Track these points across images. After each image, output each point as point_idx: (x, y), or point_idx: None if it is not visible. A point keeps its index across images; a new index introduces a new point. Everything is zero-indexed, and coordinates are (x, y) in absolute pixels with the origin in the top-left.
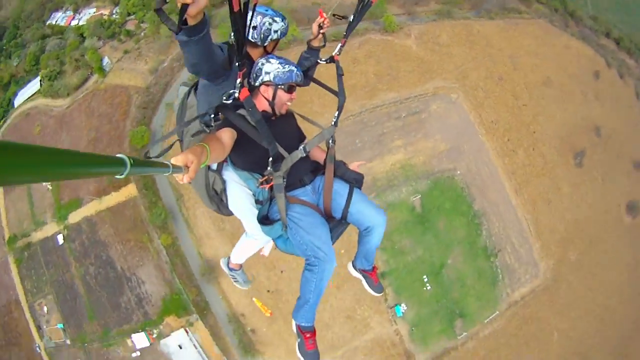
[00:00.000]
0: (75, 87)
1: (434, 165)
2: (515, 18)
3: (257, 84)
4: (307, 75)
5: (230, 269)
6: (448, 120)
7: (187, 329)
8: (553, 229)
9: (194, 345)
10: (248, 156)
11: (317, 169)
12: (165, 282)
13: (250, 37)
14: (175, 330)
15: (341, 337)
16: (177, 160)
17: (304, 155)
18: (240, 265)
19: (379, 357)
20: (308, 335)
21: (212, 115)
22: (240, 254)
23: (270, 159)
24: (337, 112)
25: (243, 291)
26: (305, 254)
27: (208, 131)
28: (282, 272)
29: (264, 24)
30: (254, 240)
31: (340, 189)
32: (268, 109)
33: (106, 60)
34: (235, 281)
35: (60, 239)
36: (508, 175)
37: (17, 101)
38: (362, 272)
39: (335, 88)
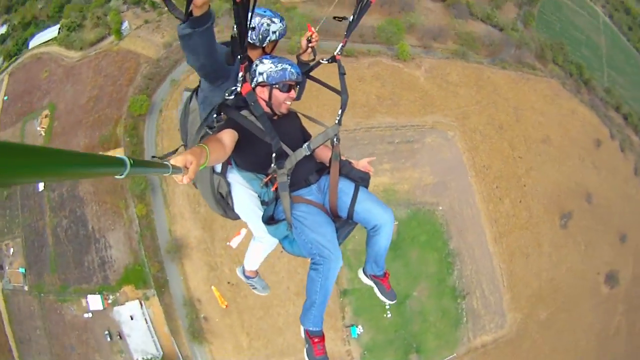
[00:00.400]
0: (90, 43)
1: (417, 195)
2: (528, 73)
3: (253, 85)
4: (309, 76)
5: (247, 277)
6: (440, 155)
7: (142, 301)
8: (527, 283)
9: (145, 319)
10: (251, 156)
11: (322, 169)
12: (131, 251)
13: (249, 39)
14: (131, 301)
15: (291, 346)
16: (176, 161)
17: (308, 153)
18: (256, 272)
19: None
20: (316, 340)
21: (215, 116)
22: (252, 259)
23: (274, 155)
24: (340, 110)
25: (203, 277)
26: (311, 253)
27: (211, 133)
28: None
29: (262, 24)
30: (262, 244)
31: (346, 187)
32: (267, 110)
33: (126, 24)
34: (253, 288)
35: (41, 185)
36: (490, 221)
37: (32, 43)
38: (374, 278)
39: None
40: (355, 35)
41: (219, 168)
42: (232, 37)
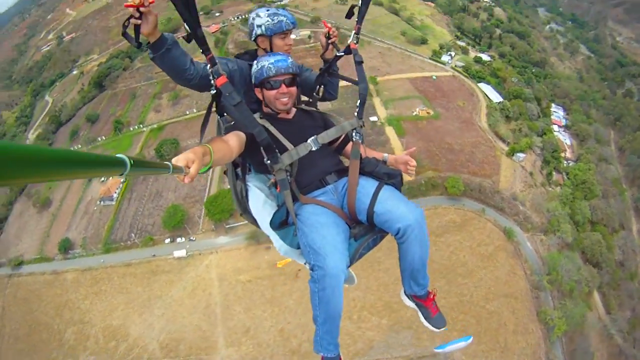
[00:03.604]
0: None
1: None
2: None
3: (252, 38)
4: (330, 72)
5: None
6: None
7: None
8: None
9: None
10: (260, 156)
11: (344, 169)
12: None
13: (249, 37)
14: None
15: None
16: (177, 160)
17: (314, 148)
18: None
19: None
20: None
21: (220, 117)
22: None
23: (261, 147)
24: (359, 102)
25: None
26: (307, 260)
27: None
28: None
29: (251, 19)
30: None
31: (368, 185)
32: (267, 110)
33: None
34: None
35: None
36: None
37: None
38: (415, 299)
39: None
40: None
41: (240, 173)
42: (187, 35)
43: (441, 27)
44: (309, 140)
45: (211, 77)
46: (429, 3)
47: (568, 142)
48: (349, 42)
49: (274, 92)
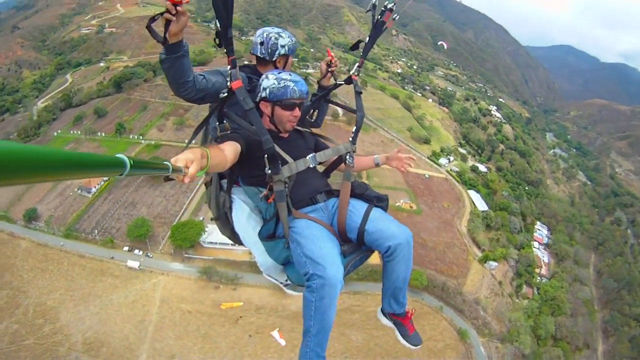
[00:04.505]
0: None
1: None
2: None
3: (257, 99)
4: (327, 99)
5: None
6: None
7: None
8: None
9: None
10: (253, 168)
11: (334, 192)
12: None
13: (258, 53)
14: None
15: None
16: (176, 160)
17: (312, 165)
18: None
19: None
20: None
21: (217, 124)
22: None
23: (266, 156)
24: (355, 128)
25: None
26: (304, 270)
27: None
28: None
29: (270, 38)
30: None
31: (358, 206)
32: (271, 126)
33: None
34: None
35: None
36: None
37: None
38: (393, 317)
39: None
40: None
41: (225, 185)
42: (216, 32)
43: (448, 132)
44: (308, 157)
45: (228, 79)
46: (444, 108)
47: (546, 259)
48: (350, 73)
49: (288, 112)
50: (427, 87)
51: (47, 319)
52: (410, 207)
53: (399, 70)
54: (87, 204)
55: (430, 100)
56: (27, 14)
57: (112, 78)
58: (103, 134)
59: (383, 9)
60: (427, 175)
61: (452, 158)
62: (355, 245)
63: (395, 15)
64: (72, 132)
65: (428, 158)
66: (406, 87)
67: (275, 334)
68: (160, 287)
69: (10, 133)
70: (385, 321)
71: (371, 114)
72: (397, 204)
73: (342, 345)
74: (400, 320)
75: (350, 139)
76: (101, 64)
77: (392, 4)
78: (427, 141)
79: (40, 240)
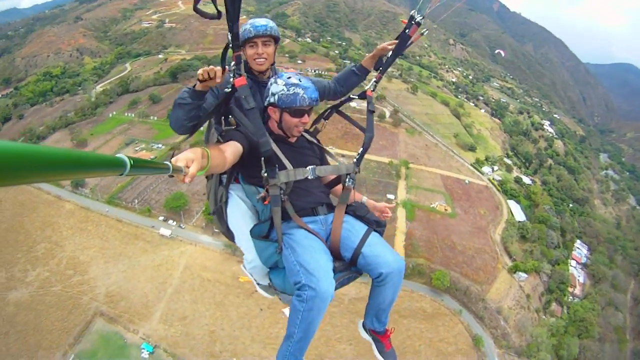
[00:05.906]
0: None
1: None
2: None
3: (265, 104)
4: (338, 111)
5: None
6: None
7: None
8: None
9: None
10: (254, 168)
11: (333, 205)
12: None
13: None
14: None
15: None
16: (177, 160)
17: (311, 177)
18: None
19: None
20: None
21: (223, 118)
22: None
23: (262, 158)
24: (361, 149)
25: None
26: (296, 279)
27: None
28: None
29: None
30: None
31: (357, 227)
32: (279, 131)
33: None
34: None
35: None
36: None
37: None
38: (373, 333)
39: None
40: None
41: (224, 180)
42: (229, 32)
43: (496, 142)
44: (308, 167)
45: (232, 76)
46: (496, 120)
47: (581, 279)
48: (366, 88)
49: (296, 119)
50: (481, 97)
51: (77, 271)
52: (445, 209)
53: (454, 79)
54: (132, 177)
55: (482, 110)
56: (90, 6)
57: (169, 69)
58: (155, 118)
59: (412, 22)
60: (467, 181)
61: (496, 167)
62: (346, 265)
63: (425, 30)
64: (126, 114)
65: (471, 165)
66: (459, 96)
67: (287, 311)
68: (187, 256)
69: (68, 111)
70: (365, 335)
71: (419, 118)
72: (432, 205)
73: (350, 333)
74: (379, 337)
75: (355, 160)
76: (160, 56)
77: (421, 17)
78: (472, 148)
79: (83, 204)
